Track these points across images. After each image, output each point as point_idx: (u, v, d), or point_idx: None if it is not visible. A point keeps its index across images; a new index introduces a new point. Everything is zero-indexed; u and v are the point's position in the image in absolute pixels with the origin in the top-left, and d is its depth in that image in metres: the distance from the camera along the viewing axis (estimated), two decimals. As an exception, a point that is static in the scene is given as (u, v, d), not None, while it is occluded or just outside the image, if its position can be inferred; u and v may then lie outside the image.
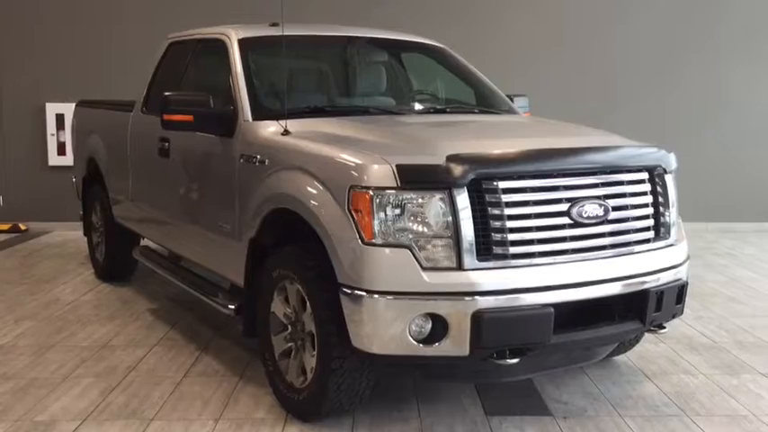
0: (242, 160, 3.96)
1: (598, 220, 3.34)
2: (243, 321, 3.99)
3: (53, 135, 8.48)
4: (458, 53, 5.24)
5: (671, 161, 3.69)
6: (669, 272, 3.53)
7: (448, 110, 4.80)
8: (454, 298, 3.05)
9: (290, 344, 3.67)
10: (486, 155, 3.26)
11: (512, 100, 4.94)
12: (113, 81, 8.08)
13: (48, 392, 3.93)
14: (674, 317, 3.64)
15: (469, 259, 3.08)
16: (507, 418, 3.67)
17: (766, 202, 8.88)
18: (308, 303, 3.45)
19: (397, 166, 3.10)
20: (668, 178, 3.66)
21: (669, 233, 3.62)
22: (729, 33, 8.62)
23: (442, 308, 3.05)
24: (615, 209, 3.39)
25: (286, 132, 3.80)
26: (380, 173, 3.11)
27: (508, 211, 3.15)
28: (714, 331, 5.04)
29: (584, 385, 4.08)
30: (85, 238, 6.63)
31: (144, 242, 5.85)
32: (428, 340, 3.10)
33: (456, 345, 3.08)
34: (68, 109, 7.49)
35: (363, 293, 3.09)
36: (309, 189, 3.39)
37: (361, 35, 5.12)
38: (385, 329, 3.08)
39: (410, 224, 3.10)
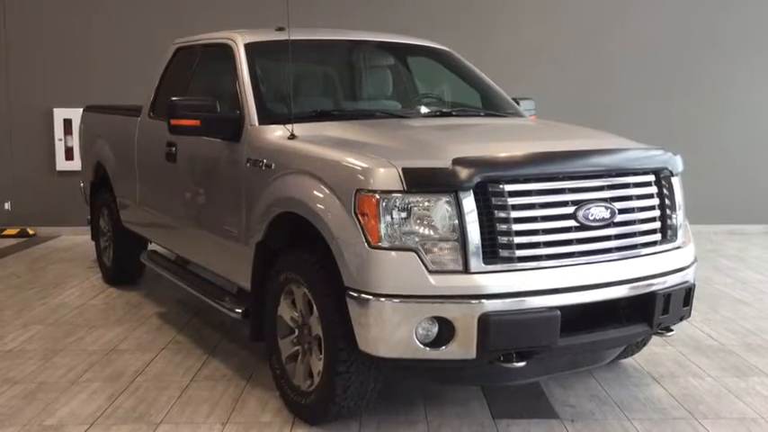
0: (248, 164, 3.97)
1: (604, 223, 3.34)
2: (250, 325, 4.00)
3: (61, 140, 8.51)
4: (463, 56, 5.24)
5: (677, 163, 3.69)
6: (676, 274, 3.52)
7: (454, 113, 4.79)
8: (461, 301, 3.05)
9: (296, 347, 3.68)
10: (493, 158, 3.26)
11: (517, 103, 4.94)
12: (120, 86, 8.11)
13: (56, 396, 3.95)
14: (681, 319, 3.63)
15: (476, 262, 3.08)
16: (514, 421, 3.67)
17: (774, 204, 8.86)
18: (314, 307, 3.46)
19: (403, 169, 3.10)
20: (675, 180, 3.65)
21: (676, 235, 3.62)
22: (736, 34, 8.60)
23: (448, 311, 3.05)
24: (621, 211, 3.39)
25: (292, 136, 3.81)
26: (387, 176, 3.11)
27: (514, 214, 3.15)
28: (722, 334, 5.03)
29: (591, 388, 4.08)
30: (93, 243, 6.66)
31: (151, 246, 5.88)
32: (435, 343, 3.10)
33: (463, 348, 3.08)
34: (76, 114, 7.53)
35: (370, 297, 3.10)
36: (316, 193, 3.40)
37: (367, 39, 5.13)
38: (391, 333, 3.08)
39: (416, 227, 3.10)
